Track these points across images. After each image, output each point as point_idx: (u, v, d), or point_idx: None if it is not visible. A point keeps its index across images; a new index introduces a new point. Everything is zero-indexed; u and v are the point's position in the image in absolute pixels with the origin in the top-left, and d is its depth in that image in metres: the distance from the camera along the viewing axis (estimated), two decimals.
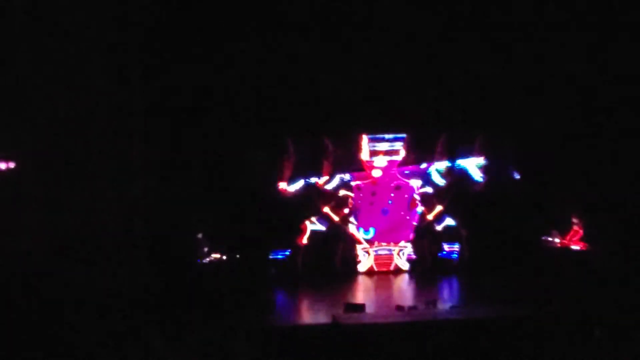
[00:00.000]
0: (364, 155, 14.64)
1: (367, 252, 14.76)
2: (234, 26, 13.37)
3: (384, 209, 14.89)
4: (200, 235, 13.64)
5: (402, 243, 14.83)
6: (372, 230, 14.80)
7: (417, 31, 13.88)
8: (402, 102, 14.24)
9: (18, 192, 11.99)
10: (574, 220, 14.19)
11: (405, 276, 14.49)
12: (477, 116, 14.58)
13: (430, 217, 14.85)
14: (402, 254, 14.77)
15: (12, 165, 12.02)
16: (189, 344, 9.27)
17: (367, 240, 14.79)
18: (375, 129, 14.62)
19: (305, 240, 14.36)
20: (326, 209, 14.56)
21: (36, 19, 12.27)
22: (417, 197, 14.86)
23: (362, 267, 14.69)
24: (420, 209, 14.87)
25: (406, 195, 14.87)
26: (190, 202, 13.49)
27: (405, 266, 14.77)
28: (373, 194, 14.85)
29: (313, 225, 14.48)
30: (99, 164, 12.79)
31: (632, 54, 13.62)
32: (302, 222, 14.42)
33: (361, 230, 14.78)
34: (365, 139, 14.60)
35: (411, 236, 14.88)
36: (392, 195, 14.87)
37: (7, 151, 11.98)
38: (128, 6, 12.79)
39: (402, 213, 14.90)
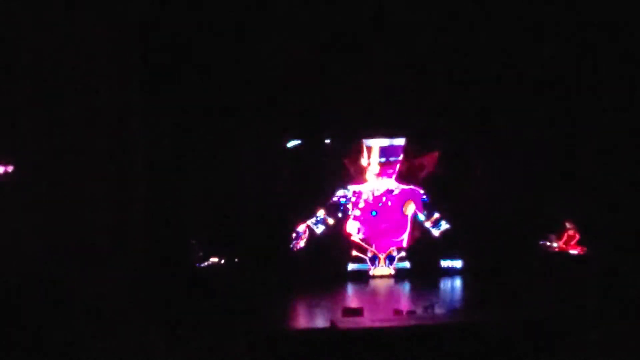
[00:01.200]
0: (363, 161, 14.62)
1: (378, 257, 14.71)
2: (235, 27, 13.39)
3: (372, 210, 14.78)
4: (193, 242, 13.60)
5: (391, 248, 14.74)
6: (360, 232, 14.62)
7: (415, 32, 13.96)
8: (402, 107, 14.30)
9: (16, 196, 11.98)
10: (568, 225, 14.21)
11: (404, 280, 14.46)
12: (471, 121, 14.64)
13: (428, 224, 14.79)
14: (388, 260, 14.73)
15: (10, 169, 12.01)
16: (186, 349, 9.25)
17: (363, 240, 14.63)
18: (374, 134, 14.63)
19: (302, 244, 14.31)
20: (321, 212, 14.50)
21: (34, 22, 12.26)
22: (412, 201, 14.79)
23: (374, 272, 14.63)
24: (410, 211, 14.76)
25: (400, 198, 14.74)
26: (188, 206, 13.51)
27: (388, 271, 14.69)
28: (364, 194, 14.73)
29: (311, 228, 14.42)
30: (96, 168, 12.78)
31: (626, 55, 13.72)
32: (300, 224, 14.36)
33: (351, 230, 14.61)
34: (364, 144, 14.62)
35: (405, 242, 14.76)
36: (384, 199, 14.81)
37: (5, 155, 11.96)
38: (128, 6, 12.78)
39: (395, 217, 14.74)
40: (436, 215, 14.74)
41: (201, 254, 13.57)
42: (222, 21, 13.26)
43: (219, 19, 13.24)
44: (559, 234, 14.29)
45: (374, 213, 14.74)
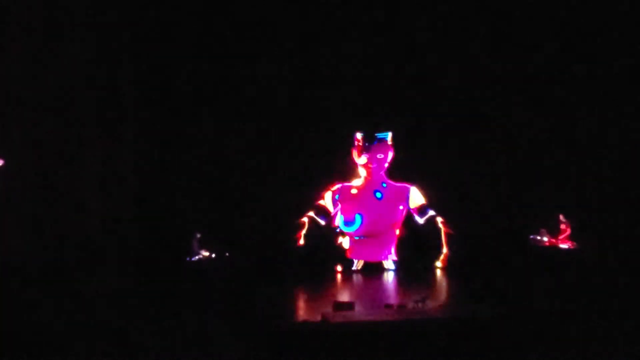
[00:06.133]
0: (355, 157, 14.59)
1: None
2: (230, 24, 13.42)
3: (378, 190, 14.53)
4: (199, 235, 13.62)
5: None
6: (358, 219, 14.48)
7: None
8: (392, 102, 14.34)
9: (6, 191, 11.96)
10: (562, 219, 14.26)
11: (394, 274, 14.47)
12: (464, 116, 14.69)
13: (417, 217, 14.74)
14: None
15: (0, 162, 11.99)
16: (178, 342, 9.26)
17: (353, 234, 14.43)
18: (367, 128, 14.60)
19: (302, 238, 14.24)
20: (322, 202, 14.41)
21: (25, 19, 12.25)
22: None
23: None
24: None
25: (391, 194, 14.61)
26: (184, 200, 13.54)
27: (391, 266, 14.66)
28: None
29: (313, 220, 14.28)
30: (89, 163, 12.79)
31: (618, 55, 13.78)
32: (302, 216, 14.30)
33: (341, 222, 14.45)
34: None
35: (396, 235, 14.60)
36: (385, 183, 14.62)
37: None
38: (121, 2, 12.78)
39: (397, 202, 14.55)
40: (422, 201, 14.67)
41: (203, 250, 13.61)
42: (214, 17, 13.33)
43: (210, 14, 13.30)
44: (551, 228, 14.33)
45: (378, 195, 14.50)
